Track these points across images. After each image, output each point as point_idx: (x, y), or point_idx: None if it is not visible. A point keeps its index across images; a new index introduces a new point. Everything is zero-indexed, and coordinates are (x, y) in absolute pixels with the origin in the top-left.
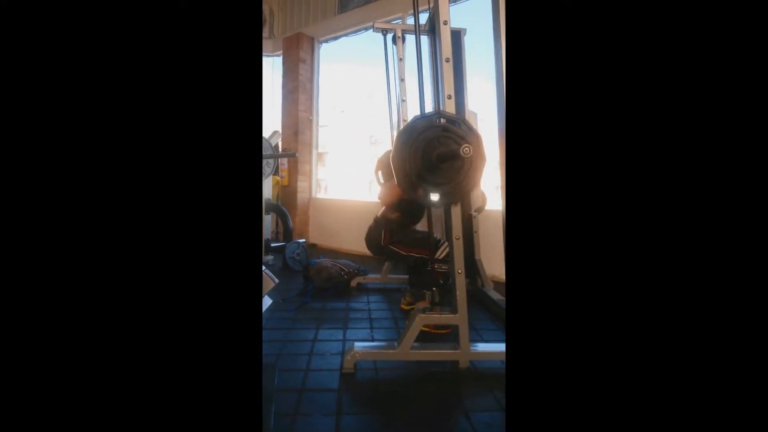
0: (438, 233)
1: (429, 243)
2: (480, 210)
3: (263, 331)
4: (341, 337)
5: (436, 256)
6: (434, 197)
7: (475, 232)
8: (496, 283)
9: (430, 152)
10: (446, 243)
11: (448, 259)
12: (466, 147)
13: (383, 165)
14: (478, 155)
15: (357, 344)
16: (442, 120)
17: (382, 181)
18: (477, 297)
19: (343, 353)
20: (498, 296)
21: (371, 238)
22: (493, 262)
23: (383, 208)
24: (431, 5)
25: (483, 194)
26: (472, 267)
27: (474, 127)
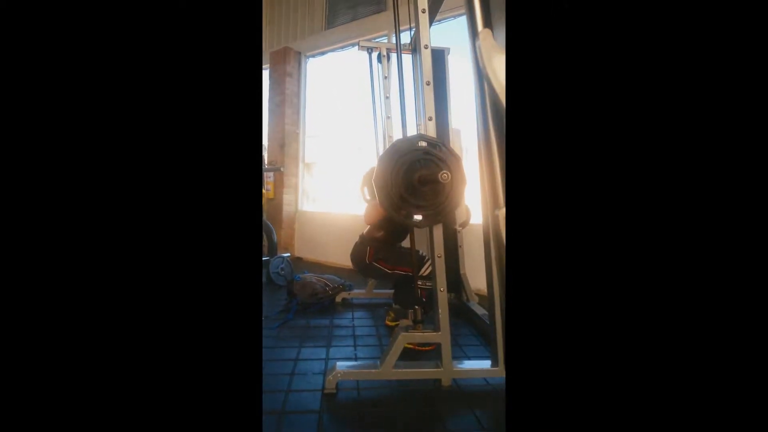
0: (423, 249)
1: (413, 260)
2: (465, 225)
3: None
4: (324, 356)
5: (421, 272)
6: (417, 218)
7: (460, 246)
8: (481, 297)
9: (411, 174)
10: (430, 260)
11: (432, 276)
12: (444, 173)
13: (368, 182)
14: (459, 177)
15: (339, 364)
16: (424, 143)
17: (367, 197)
18: (462, 312)
19: (325, 372)
20: (482, 311)
21: (356, 255)
22: (478, 276)
23: (368, 226)
24: (413, 26)
25: (467, 209)
26: (457, 282)
27: (455, 151)
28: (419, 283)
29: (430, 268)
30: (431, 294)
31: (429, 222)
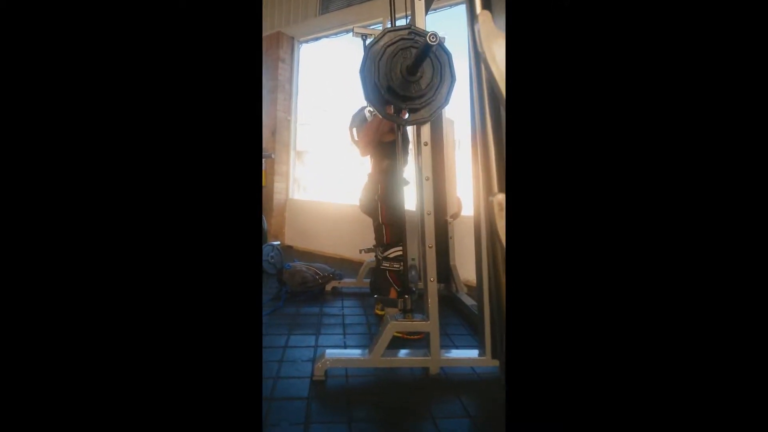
0: (414, 239)
1: (400, 229)
2: (455, 216)
3: None
4: (313, 344)
5: (386, 254)
6: (405, 116)
7: (450, 238)
8: (470, 288)
9: (399, 63)
10: (400, 246)
11: (400, 258)
12: (432, 35)
13: (357, 122)
14: (446, 73)
15: (328, 351)
16: (412, 34)
17: (356, 138)
18: (451, 302)
19: (314, 360)
20: (471, 301)
21: (365, 195)
22: (468, 268)
23: (372, 164)
24: (409, 14)
25: (458, 200)
26: (447, 273)
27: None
28: (386, 264)
29: (397, 253)
30: (400, 277)
31: (417, 118)
